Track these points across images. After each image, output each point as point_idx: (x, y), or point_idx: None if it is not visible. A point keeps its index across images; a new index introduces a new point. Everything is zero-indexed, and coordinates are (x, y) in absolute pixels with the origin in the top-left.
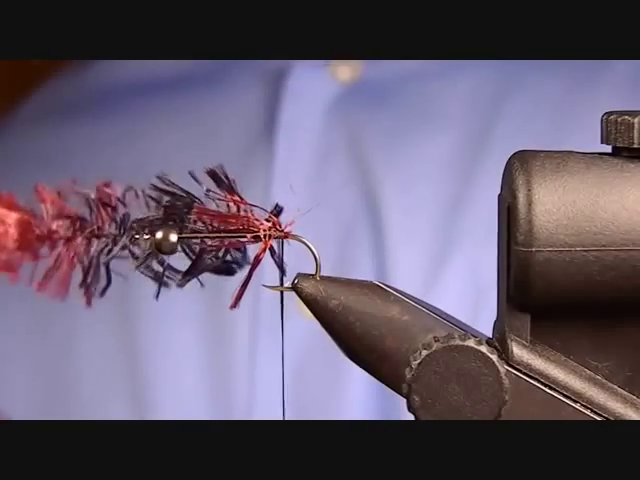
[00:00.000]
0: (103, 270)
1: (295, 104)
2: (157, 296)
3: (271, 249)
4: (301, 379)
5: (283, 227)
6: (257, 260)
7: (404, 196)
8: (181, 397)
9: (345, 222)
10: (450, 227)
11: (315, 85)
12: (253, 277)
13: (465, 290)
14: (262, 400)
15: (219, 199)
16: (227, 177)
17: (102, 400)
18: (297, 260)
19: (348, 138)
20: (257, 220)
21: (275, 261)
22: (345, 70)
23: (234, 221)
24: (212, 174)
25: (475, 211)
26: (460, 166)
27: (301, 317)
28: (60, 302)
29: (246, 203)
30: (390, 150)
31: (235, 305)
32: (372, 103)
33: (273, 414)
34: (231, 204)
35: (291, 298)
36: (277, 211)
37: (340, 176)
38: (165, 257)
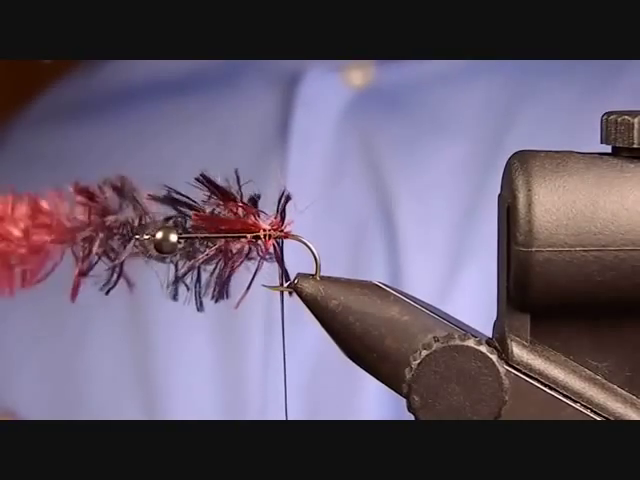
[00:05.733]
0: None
1: (308, 109)
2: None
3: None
4: (314, 386)
5: (283, 227)
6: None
7: (418, 202)
8: (193, 402)
9: (358, 229)
10: (464, 234)
11: (328, 90)
12: (255, 279)
13: (479, 298)
14: (275, 405)
15: (217, 203)
16: (216, 183)
17: (113, 405)
18: (297, 260)
19: (361, 143)
20: (257, 221)
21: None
22: (358, 75)
23: (234, 223)
24: (205, 181)
25: (489, 218)
26: (474, 172)
27: (313, 324)
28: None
29: (243, 206)
30: (403, 156)
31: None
32: (385, 108)
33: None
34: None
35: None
36: (286, 198)
37: (353, 182)
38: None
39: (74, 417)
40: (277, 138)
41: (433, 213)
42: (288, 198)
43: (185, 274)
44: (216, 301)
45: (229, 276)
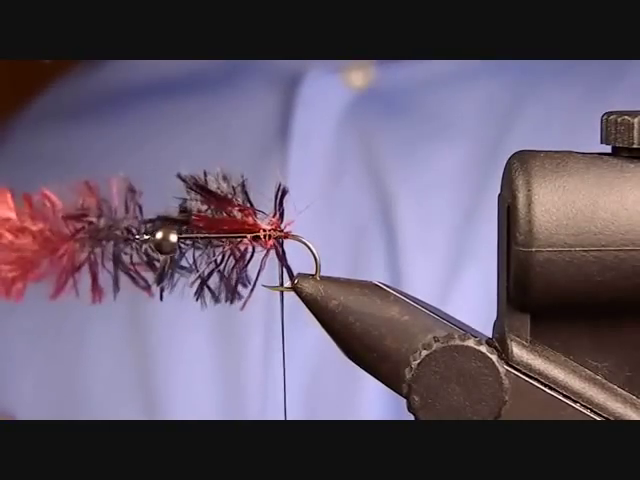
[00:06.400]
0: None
1: (308, 110)
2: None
3: (275, 249)
4: (314, 386)
5: (283, 227)
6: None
7: (418, 204)
8: (193, 402)
9: (358, 229)
10: (464, 234)
11: (328, 91)
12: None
13: (479, 298)
14: (275, 405)
15: (216, 207)
16: (209, 189)
17: (113, 405)
18: (297, 260)
19: (361, 145)
20: (257, 221)
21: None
22: (358, 76)
23: (234, 224)
24: (198, 188)
25: (489, 219)
26: (474, 173)
27: (313, 324)
28: (70, 302)
29: (241, 207)
30: (404, 157)
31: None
32: (385, 109)
33: None
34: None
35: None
36: (282, 193)
37: (353, 182)
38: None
39: (74, 417)
40: (277, 139)
41: (433, 213)
42: (284, 192)
43: (208, 277)
44: (231, 302)
45: (239, 277)
